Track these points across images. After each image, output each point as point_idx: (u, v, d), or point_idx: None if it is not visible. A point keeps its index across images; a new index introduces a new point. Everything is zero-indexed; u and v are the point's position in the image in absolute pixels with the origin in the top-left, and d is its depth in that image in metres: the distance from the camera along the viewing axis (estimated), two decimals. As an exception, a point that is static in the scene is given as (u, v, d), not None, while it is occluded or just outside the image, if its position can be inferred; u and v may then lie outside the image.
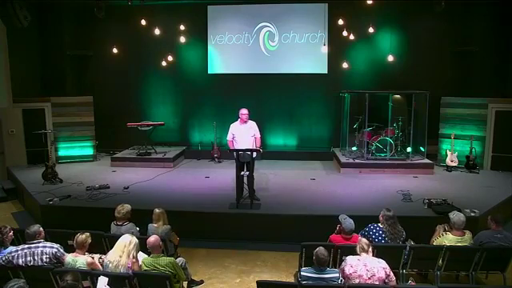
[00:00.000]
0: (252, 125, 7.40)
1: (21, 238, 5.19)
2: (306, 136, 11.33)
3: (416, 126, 9.55)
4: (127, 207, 5.40)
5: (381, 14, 10.29)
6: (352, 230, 4.99)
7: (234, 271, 5.70)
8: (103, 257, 4.61)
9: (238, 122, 7.45)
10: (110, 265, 4.28)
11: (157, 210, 5.48)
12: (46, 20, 10.99)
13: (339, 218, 5.13)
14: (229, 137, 7.44)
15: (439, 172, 9.37)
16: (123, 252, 4.30)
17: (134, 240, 4.41)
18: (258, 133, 7.46)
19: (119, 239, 4.41)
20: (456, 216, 5.00)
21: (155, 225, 5.39)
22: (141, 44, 11.09)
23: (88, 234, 4.55)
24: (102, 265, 4.47)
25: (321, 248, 4.14)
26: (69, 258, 4.43)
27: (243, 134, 7.29)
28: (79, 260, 4.38)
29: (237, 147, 7.17)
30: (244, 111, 7.38)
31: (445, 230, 5.18)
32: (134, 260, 4.36)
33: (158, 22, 10.04)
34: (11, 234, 4.87)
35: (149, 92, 11.59)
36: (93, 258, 4.59)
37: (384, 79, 10.53)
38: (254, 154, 7.03)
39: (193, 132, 11.69)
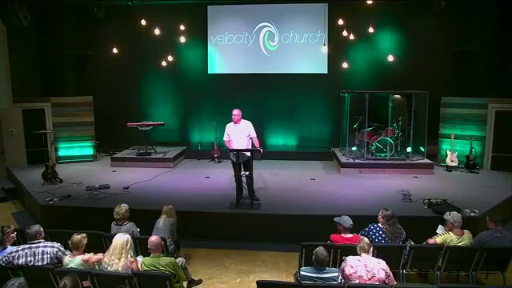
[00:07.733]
0: (246, 124, 7.29)
1: (21, 237, 5.18)
2: (305, 136, 11.33)
3: (416, 125, 9.55)
4: (125, 206, 5.39)
5: (381, 14, 10.29)
6: (351, 225, 5.03)
7: (234, 271, 5.70)
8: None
9: (232, 122, 7.36)
10: (109, 267, 4.26)
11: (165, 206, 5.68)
12: (46, 20, 10.97)
13: (334, 219, 5.15)
14: (225, 137, 7.37)
15: (439, 172, 9.37)
16: (121, 254, 4.27)
17: (130, 238, 4.40)
18: (254, 133, 7.29)
19: (114, 240, 4.36)
20: (452, 216, 5.01)
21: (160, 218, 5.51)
22: (141, 44, 11.09)
23: (84, 234, 4.51)
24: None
25: (320, 248, 4.13)
26: (66, 259, 4.39)
27: (237, 134, 7.22)
28: (75, 261, 4.35)
29: (232, 147, 7.15)
30: (234, 112, 7.26)
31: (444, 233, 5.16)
32: (133, 259, 4.36)
33: (158, 22, 10.03)
34: (13, 235, 4.83)
35: (149, 92, 11.59)
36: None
37: (384, 79, 10.52)
38: (249, 154, 6.99)
39: (193, 132, 11.70)
